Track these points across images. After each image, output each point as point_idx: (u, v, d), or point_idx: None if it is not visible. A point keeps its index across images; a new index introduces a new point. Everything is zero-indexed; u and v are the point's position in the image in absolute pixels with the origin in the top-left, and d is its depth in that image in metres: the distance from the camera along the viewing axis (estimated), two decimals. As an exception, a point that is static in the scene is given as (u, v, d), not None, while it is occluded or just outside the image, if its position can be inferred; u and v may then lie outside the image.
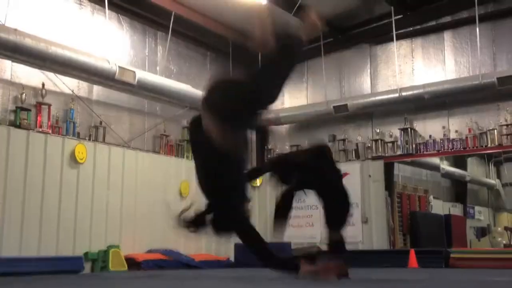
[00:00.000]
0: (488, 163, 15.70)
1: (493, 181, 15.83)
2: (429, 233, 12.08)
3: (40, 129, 8.40)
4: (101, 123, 9.45)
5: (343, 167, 11.32)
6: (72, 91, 9.08)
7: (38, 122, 8.46)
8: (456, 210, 14.41)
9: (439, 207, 13.83)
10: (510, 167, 15.71)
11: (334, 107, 11.25)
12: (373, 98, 11.04)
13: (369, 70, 11.70)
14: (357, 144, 11.46)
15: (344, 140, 11.57)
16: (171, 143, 10.70)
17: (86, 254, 8.54)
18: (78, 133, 9.06)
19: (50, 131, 8.54)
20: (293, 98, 12.26)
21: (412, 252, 8.97)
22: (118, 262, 8.63)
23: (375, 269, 8.06)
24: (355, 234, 10.89)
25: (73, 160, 8.68)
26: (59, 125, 8.80)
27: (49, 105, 8.66)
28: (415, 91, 10.41)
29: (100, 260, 8.59)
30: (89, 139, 9.17)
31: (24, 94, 8.33)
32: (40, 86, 8.64)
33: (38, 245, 8.01)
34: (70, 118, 8.96)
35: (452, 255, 8.80)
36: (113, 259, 8.57)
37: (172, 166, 10.47)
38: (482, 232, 14.65)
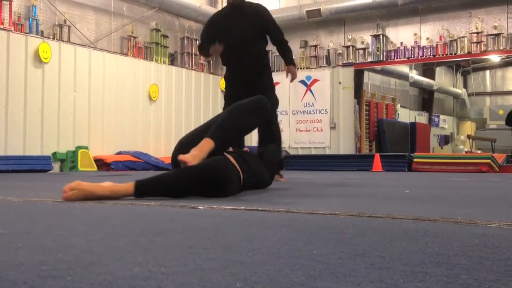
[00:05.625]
0: (456, 72, 15.93)
1: (459, 90, 16.14)
2: (395, 140, 12.41)
3: (2, 26, 8.06)
4: (65, 21, 9.10)
5: (314, 73, 11.42)
6: (34, -14, 8.64)
7: (-1, 19, 8.09)
8: (421, 118, 14.76)
9: (406, 115, 14.13)
10: (476, 77, 16.00)
11: (307, 11, 11.05)
12: (346, 3, 10.85)
13: (343, -26, 11.39)
14: (328, 51, 11.40)
15: (315, 46, 11.47)
16: (139, 45, 10.44)
17: (54, 154, 8.52)
18: (42, 32, 8.74)
19: (12, 29, 8.21)
20: (264, 2, 11.94)
21: (377, 157, 9.21)
22: (87, 163, 8.66)
23: (340, 172, 8.28)
24: (322, 140, 11.11)
25: (38, 59, 8.42)
26: (22, 23, 8.45)
27: (10, 1, 8.26)
28: (389, -4, 10.26)
29: (69, 160, 8.59)
30: (53, 38, 8.86)
31: (-18, -12, 7.90)
32: (-1, -20, 8.17)
33: (4, 144, 7.93)
34: (32, 16, 8.60)
35: (415, 160, 9.06)
36: (82, 160, 8.59)
37: (141, 68, 10.29)
38: (445, 140, 15.14)
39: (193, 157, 2.57)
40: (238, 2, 4.65)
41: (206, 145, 2.67)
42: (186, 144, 2.83)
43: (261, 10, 4.80)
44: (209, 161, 2.58)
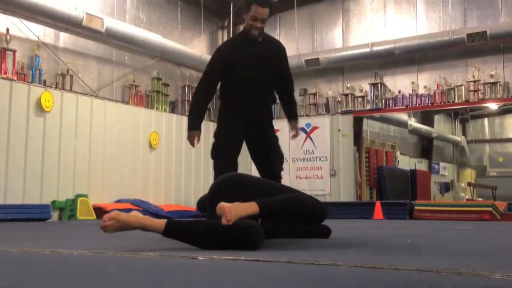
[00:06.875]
0: (454, 120, 16.02)
1: (458, 138, 16.19)
2: (395, 188, 12.36)
3: (5, 76, 8.17)
4: (68, 71, 9.24)
5: (313, 120, 11.51)
6: (38, 37, 8.81)
7: (2, 68, 8.22)
8: (421, 165, 14.74)
9: (406, 162, 14.12)
10: (475, 124, 16.07)
11: (305, 60, 11.23)
12: (344, 53, 11.05)
13: (341, 24, 11.66)
14: (327, 98, 11.52)
15: (315, 94, 11.60)
16: (140, 93, 10.56)
17: (53, 202, 8.48)
18: (45, 81, 8.85)
19: (15, 78, 8.32)
20: (264, 51, 12.17)
21: (378, 204, 9.17)
22: (86, 211, 8.61)
23: (341, 220, 8.22)
24: (323, 187, 11.08)
25: (39, 108, 8.50)
26: (25, 72, 8.57)
27: (14, 51, 8.41)
28: (386, 46, 10.45)
29: (68, 208, 8.55)
30: (56, 87, 8.97)
31: (-13, 39, 8.06)
32: (5, 31, 8.36)
33: (4, 193, 7.90)
34: (36, 65, 8.73)
35: (416, 207, 9.01)
36: (81, 208, 8.55)
37: (142, 117, 10.37)
38: (446, 187, 15.07)
39: (234, 212, 2.53)
40: (261, 38, 4.17)
41: (252, 209, 2.63)
42: (238, 186, 2.84)
43: (282, 50, 4.34)
44: (245, 228, 2.53)
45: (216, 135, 4.25)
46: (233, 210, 2.53)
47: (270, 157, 4.28)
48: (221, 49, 4.30)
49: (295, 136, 4.42)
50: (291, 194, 2.89)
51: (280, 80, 4.35)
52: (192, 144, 4.17)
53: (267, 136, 4.30)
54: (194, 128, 4.16)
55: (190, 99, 11.61)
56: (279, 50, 4.32)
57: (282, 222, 3.20)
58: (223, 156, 4.12)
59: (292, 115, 4.46)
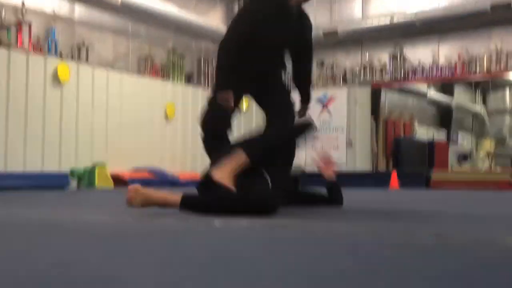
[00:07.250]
0: (474, 90, 15.78)
1: (478, 108, 15.97)
2: (412, 159, 12.28)
3: (21, 48, 8.20)
4: (83, 43, 9.23)
5: (330, 92, 11.40)
6: (53, 10, 8.80)
7: (18, 41, 8.24)
8: (440, 136, 14.61)
9: (424, 133, 14.00)
10: (496, 94, 15.82)
11: (323, 32, 11.05)
12: (364, 25, 10.82)
13: (360, -6, 11.41)
14: (345, 70, 11.38)
15: (332, 65, 11.47)
16: (156, 65, 10.54)
17: (72, 171, 8.58)
18: (61, 53, 8.86)
19: (32, 50, 8.34)
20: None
21: (394, 174, 9.12)
22: (104, 179, 8.69)
23: (357, 189, 8.21)
24: (339, 157, 11.03)
25: (56, 80, 8.53)
26: (41, 45, 8.59)
27: (30, 24, 8.41)
28: (407, 18, 10.20)
29: (86, 177, 8.64)
30: (72, 59, 8.98)
31: (3, 12, 8.05)
32: (20, 4, 8.35)
33: (23, 162, 8.01)
34: (51, 37, 8.73)
35: (433, 177, 8.95)
36: (99, 176, 8.62)
37: (158, 88, 10.37)
38: (464, 157, 14.93)
39: (228, 174, 2.60)
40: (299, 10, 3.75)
41: (241, 160, 2.67)
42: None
43: (310, 27, 3.96)
44: (259, 196, 2.58)
45: (212, 103, 3.75)
46: (226, 174, 2.59)
47: (277, 106, 3.80)
48: (256, 10, 3.68)
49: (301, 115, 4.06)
50: (270, 131, 3.06)
51: (301, 57, 3.94)
52: (229, 105, 3.57)
53: (273, 86, 3.82)
54: (226, 87, 3.57)
55: (206, 70, 11.56)
56: (308, 28, 3.92)
57: (277, 157, 3.04)
58: (217, 130, 3.80)
59: (305, 98, 4.10)
